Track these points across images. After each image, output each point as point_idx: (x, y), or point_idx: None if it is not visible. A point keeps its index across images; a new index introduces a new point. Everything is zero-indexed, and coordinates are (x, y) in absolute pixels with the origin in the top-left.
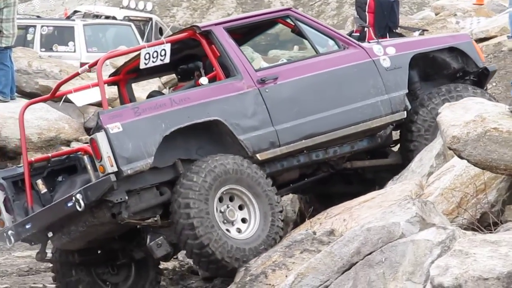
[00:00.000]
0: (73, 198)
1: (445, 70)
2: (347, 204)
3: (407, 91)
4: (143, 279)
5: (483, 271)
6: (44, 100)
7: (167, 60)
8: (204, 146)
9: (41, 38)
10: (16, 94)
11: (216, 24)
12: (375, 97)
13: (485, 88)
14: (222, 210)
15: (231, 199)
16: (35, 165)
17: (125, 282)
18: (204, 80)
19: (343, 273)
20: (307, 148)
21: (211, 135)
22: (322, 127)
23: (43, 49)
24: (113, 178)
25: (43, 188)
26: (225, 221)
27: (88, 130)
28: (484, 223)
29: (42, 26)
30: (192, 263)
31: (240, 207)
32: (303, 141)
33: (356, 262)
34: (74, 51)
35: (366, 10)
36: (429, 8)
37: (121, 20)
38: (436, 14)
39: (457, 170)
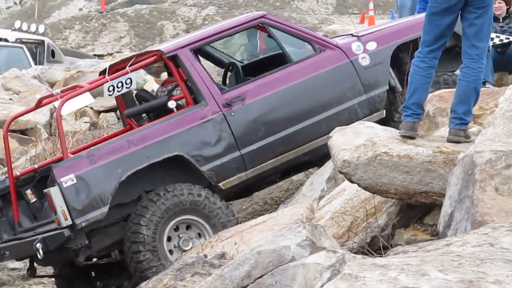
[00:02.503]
0: (34, 246)
1: None
2: (238, 228)
3: (387, 87)
4: None
5: None
6: (28, 112)
7: (133, 86)
8: (170, 177)
9: None
10: None
11: (182, 47)
12: (351, 100)
13: None
14: (179, 237)
15: (188, 228)
16: (22, 178)
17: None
18: (172, 104)
19: None
20: (276, 167)
21: (177, 166)
22: (292, 143)
23: None
24: (67, 232)
25: (32, 198)
26: (179, 249)
27: None
28: (374, 247)
29: None
30: None
31: (199, 235)
32: (272, 160)
33: (247, 286)
34: None
35: None
36: (321, 32)
37: (13, 42)
38: None
39: (348, 194)
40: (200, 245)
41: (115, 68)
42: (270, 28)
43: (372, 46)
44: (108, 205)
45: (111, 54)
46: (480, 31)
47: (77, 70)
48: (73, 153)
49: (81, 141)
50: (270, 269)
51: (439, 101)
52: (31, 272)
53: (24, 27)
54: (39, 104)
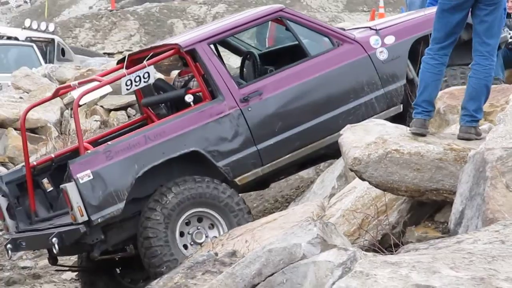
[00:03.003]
0: (50, 241)
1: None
2: (249, 226)
3: (405, 81)
4: None
5: None
6: (46, 101)
7: (151, 81)
8: (187, 172)
9: None
10: None
11: (200, 41)
12: (369, 94)
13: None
14: (190, 232)
15: (199, 220)
16: (38, 167)
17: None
18: (189, 97)
19: None
20: (293, 162)
21: (193, 161)
22: (309, 137)
23: None
24: (82, 228)
25: (48, 187)
26: (192, 243)
27: None
28: (385, 244)
29: None
30: None
31: (211, 226)
32: (288, 155)
33: (258, 284)
34: None
35: None
36: None
37: (23, 41)
38: None
39: (359, 191)
40: (211, 243)
41: (133, 58)
42: (288, 21)
43: (390, 40)
44: (124, 201)
45: (121, 53)
46: (491, 28)
47: (87, 68)
48: (90, 142)
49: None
50: (281, 267)
51: (449, 98)
52: (53, 261)
53: (34, 26)
54: (56, 94)
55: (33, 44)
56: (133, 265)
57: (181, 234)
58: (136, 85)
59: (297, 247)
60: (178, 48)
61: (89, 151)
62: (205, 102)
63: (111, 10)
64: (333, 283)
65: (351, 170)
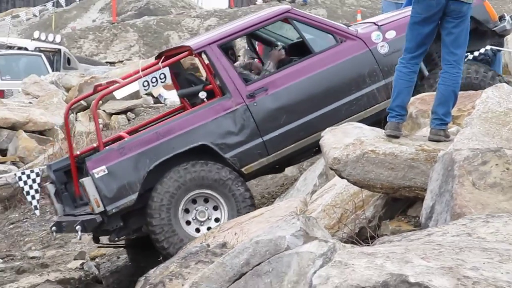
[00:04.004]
0: (74, 228)
1: None
2: (238, 220)
3: None
4: None
5: (361, 280)
6: (88, 96)
7: (168, 81)
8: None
9: None
10: None
11: (210, 43)
12: (371, 86)
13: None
14: (197, 209)
15: (206, 201)
16: (82, 156)
17: None
18: (202, 94)
19: (233, 282)
20: (297, 151)
21: (202, 153)
22: (312, 128)
23: None
24: (99, 218)
25: None
26: (195, 221)
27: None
28: (362, 237)
29: None
30: (97, 272)
31: (215, 208)
32: (293, 145)
33: (246, 272)
34: None
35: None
36: None
37: (32, 51)
38: None
39: (338, 188)
40: (204, 235)
41: (166, 55)
42: (294, 21)
43: (391, 34)
44: (137, 193)
45: (121, 62)
46: (458, 39)
47: (90, 76)
48: (129, 132)
49: (94, 141)
50: (267, 257)
51: (421, 103)
52: (95, 241)
53: (42, 37)
54: (95, 91)
55: (41, 54)
56: None
57: (187, 211)
58: (153, 86)
59: (281, 239)
60: (190, 50)
61: (107, 148)
62: (215, 99)
63: (112, 23)
64: (315, 272)
65: (331, 169)
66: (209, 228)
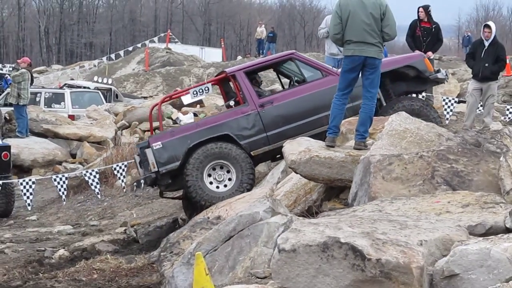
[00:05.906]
0: (140, 182)
1: (406, 77)
2: (228, 200)
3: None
4: None
5: (309, 241)
6: (180, 94)
7: (210, 91)
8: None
9: (44, 99)
10: (29, 133)
11: (238, 70)
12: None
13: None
14: (217, 172)
15: (221, 168)
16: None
17: None
18: (231, 102)
19: (225, 242)
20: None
21: (226, 141)
22: (300, 130)
23: (46, 106)
24: (153, 175)
25: None
26: (216, 180)
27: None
28: (310, 212)
29: (45, 92)
30: (135, 235)
31: (228, 172)
32: (286, 140)
33: (233, 235)
34: (64, 107)
35: None
36: None
37: (92, 89)
38: None
39: (294, 180)
40: (205, 211)
41: (218, 78)
42: (296, 60)
43: None
44: (180, 161)
45: (151, 96)
46: (372, 82)
47: (131, 105)
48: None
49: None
50: (247, 226)
51: (349, 124)
52: (161, 195)
53: (100, 80)
54: (171, 96)
55: (98, 91)
56: None
57: (209, 175)
58: (200, 95)
59: (257, 213)
60: (226, 73)
61: (162, 131)
62: (239, 106)
63: (145, 71)
64: (279, 235)
65: (290, 168)
66: (225, 186)
